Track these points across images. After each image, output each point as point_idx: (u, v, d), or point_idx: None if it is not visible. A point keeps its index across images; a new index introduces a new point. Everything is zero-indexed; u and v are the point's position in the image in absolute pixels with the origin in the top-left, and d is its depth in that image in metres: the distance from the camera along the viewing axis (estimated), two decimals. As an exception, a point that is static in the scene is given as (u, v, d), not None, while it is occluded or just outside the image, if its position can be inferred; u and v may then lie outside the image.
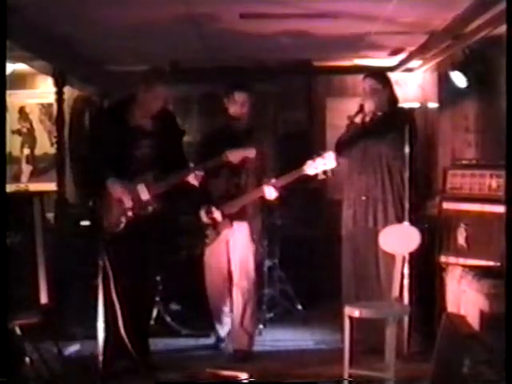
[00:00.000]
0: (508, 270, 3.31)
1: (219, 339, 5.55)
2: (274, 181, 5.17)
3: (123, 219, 4.72)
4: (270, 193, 5.16)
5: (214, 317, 5.51)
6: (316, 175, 5.05)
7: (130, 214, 4.72)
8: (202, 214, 5.29)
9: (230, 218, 5.27)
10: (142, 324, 4.91)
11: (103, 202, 4.73)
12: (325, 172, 5.01)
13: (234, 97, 5.32)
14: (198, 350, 5.55)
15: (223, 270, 5.41)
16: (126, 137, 4.76)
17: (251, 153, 4.96)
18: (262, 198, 5.26)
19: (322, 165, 4.98)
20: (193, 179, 4.84)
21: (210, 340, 5.65)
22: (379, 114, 5.31)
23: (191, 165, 4.92)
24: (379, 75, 5.48)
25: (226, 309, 5.49)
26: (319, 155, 5.02)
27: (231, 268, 5.37)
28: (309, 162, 5.00)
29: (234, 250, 5.34)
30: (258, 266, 6.16)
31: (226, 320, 5.53)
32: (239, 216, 5.28)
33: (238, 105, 5.32)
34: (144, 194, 4.74)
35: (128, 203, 4.70)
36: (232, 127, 5.37)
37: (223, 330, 5.54)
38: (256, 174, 5.30)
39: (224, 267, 5.40)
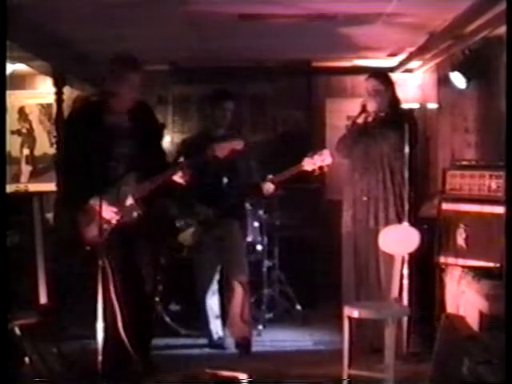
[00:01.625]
0: (508, 271, 3.32)
1: (215, 339, 5.59)
2: (271, 176, 5.35)
3: (106, 226, 4.55)
4: (268, 188, 5.33)
5: (209, 318, 5.58)
6: (313, 171, 5.26)
7: (113, 221, 4.57)
8: (193, 213, 5.38)
9: (222, 215, 5.33)
10: (143, 324, 4.89)
11: (85, 214, 4.56)
12: (321, 168, 5.22)
13: (221, 105, 5.46)
14: (198, 350, 5.56)
15: (216, 269, 5.49)
16: (104, 137, 4.55)
17: (239, 144, 4.94)
18: (258, 194, 5.41)
19: (319, 161, 5.20)
20: (179, 178, 4.71)
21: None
22: (381, 114, 5.32)
23: (181, 159, 4.85)
24: (382, 76, 5.50)
25: (217, 309, 5.60)
26: (315, 153, 5.23)
27: (225, 266, 5.44)
28: (306, 159, 5.23)
29: (228, 247, 5.40)
30: (257, 266, 6.22)
31: (217, 321, 5.61)
32: (231, 213, 5.38)
33: (223, 112, 5.47)
34: (128, 200, 4.59)
35: (112, 220, 4.57)
36: (212, 133, 5.49)
37: (217, 330, 5.61)
38: (242, 174, 5.45)
39: (217, 266, 5.48)
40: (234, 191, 5.38)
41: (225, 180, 5.37)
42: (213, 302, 5.57)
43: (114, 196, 4.56)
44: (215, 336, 5.59)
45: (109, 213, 4.52)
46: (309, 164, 5.22)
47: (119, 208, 4.57)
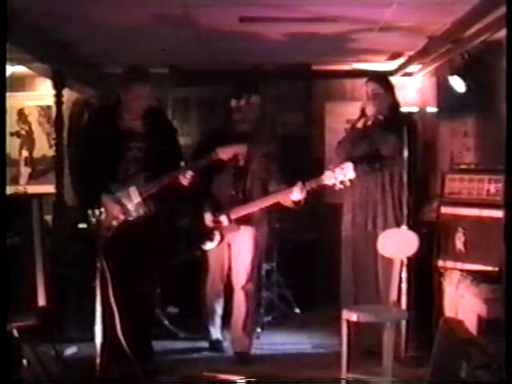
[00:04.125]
0: (507, 275, 3.31)
1: (213, 342, 5.58)
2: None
3: (115, 223, 4.73)
4: (297, 195, 5.06)
5: (210, 320, 5.57)
6: (334, 185, 4.95)
7: (121, 217, 4.73)
8: (207, 218, 5.28)
9: (237, 221, 5.24)
10: (141, 327, 4.88)
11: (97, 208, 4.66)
12: (342, 182, 4.91)
13: (249, 99, 5.32)
14: (196, 353, 5.55)
15: (223, 273, 5.45)
16: (117, 140, 4.76)
17: (242, 149, 4.95)
18: (285, 201, 5.20)
19: (340, 175, 4.89)
20: (183, 179, 4.78)
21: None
22: (380, 117, 5.32)
23: (182, 164, 4.87)
24: (382, 79, 5.49)
25: (220, 311, 5.57)
26: (337, 166, 4.94)
27: (232, 272, 5.38)
28: (327, 172, 4.95)
29: (238, 253, 5.33)
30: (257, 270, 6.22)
31: (219, 323, 5.59)
32: (245, 220, 5.25)
33: (249, 107, 5.31)
34: (135, 197, 4.75)
35: (120, 216, 4.71)
36: (236, 128, 5.35)
37: (216, 333, 5.60)
38: (260, 177, 5.29)
39: (225, 271, 5.44)
40: (249, 198, 5.27)
41: (238, 186, 5.30)
42: (218, 305, 5.54)
43: (123, 194, 4.75)
44: (214, 339, 5.58)
45: (116, 209, 4.70)
46: (330, 178, 4.91)
47: (127, 205, 4.73)
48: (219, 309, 5.57)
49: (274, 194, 5.21)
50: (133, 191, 4.75)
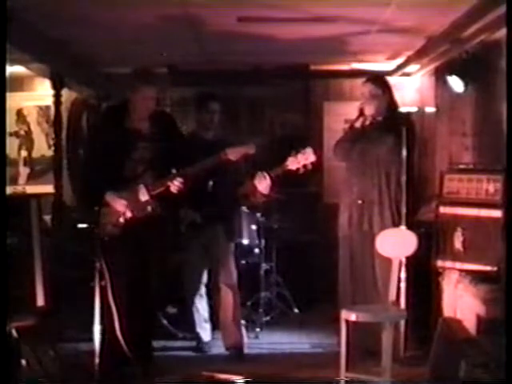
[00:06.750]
0: (507, 274, 3.32)
1: (202, 342, 5.60)
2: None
3: (121, 220, 4.73)
4: (260, 184, 5.15)
5: (196, 320, 5.59)
6: (297, 170, 5.04)
7: (128, 214, 4.73)
8: (182, 216, 5.39)
9: (209, 219, 5.32)
10: (141, 327, 4.88)
11: (102, 206, 4.71)
12: (305, 166, 5.01)
13: (207, 107, 5.48)
14: (195, 353, 5.55)
15: (203, 272, 5.50)
16: (124, 139, 4.76)
17: (251, 149, 4.97)
18: (246, 195, 5.32)
19: (302, 160, 5.00)
20: (172, 186, 4.75)
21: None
22: (378, 118, 5.32)
23: (173, 171, 4.81)
24: (379, 80, 5.48)
25: (206, 314, 5.60)
26: (299, 151, 5.04)
27: (212, 270, 5.43)
28: (290, 158, 5.04)
29: (214, 251, 5.39)
30: (255, 269, 6.22)
31: (206, 325, 5.62)
32: (218, 217, 5.34)
33: (209, 114, 5.49)
34: (143, 195, 4.74)
35: (127, 213, 4.72)
36: (201, 136, 5.52)
37: (206, 334, 5.61)
38: (230, 178, 5.34)
39: (204, 269, 5.50)
40: (221, 195, 5.33)
41: (210, 183, 5.32)
42: (201, 306, 5.57)
43: (131, 192, 4.73)
44: (202, 340, 5.59)
45: (121, 205, 4.69)
46: (293, 163, 5.02)
47: (134, 203, 4.71)
48: (204, 310, 5.60)
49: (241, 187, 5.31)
50: (141, 189, 4.74)
